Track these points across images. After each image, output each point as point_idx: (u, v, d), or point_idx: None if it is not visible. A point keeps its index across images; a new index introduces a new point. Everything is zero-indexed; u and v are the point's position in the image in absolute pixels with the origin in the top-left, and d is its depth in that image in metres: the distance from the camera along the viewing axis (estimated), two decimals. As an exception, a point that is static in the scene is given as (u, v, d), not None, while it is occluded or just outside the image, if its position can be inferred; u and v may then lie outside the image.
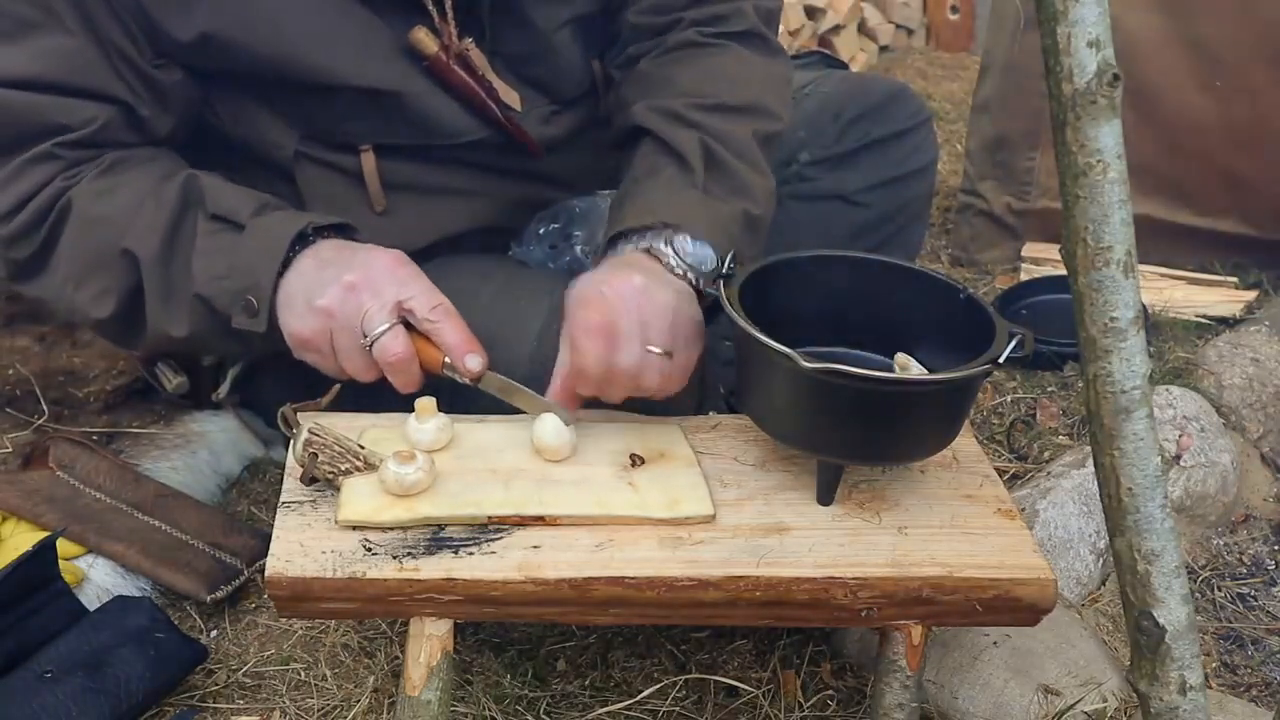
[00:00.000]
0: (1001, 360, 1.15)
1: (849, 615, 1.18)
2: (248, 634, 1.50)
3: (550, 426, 1.24)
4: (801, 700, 1.41)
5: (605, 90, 1.60)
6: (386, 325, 1.22)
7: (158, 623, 1.39)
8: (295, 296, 1.25)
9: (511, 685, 1.41)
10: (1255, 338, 2.05)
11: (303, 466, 1.20)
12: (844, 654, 1.47)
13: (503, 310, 1.34)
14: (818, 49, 3.15)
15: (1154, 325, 2.20)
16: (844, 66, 2.48)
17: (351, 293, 1.22)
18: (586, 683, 1.43)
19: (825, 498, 1.23)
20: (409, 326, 1.24)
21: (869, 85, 1.85)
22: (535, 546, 1.16)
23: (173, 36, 1.31)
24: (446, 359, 1.24)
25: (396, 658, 1.44)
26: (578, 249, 1.59)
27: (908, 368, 1.23)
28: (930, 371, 1.22)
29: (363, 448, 1.22)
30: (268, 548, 1.15)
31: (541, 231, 1.61)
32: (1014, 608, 1.18)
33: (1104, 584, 1.64)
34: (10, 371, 1.91)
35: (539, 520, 1.18)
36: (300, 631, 1.50)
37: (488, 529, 1.17)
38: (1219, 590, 1.69)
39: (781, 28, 2.16)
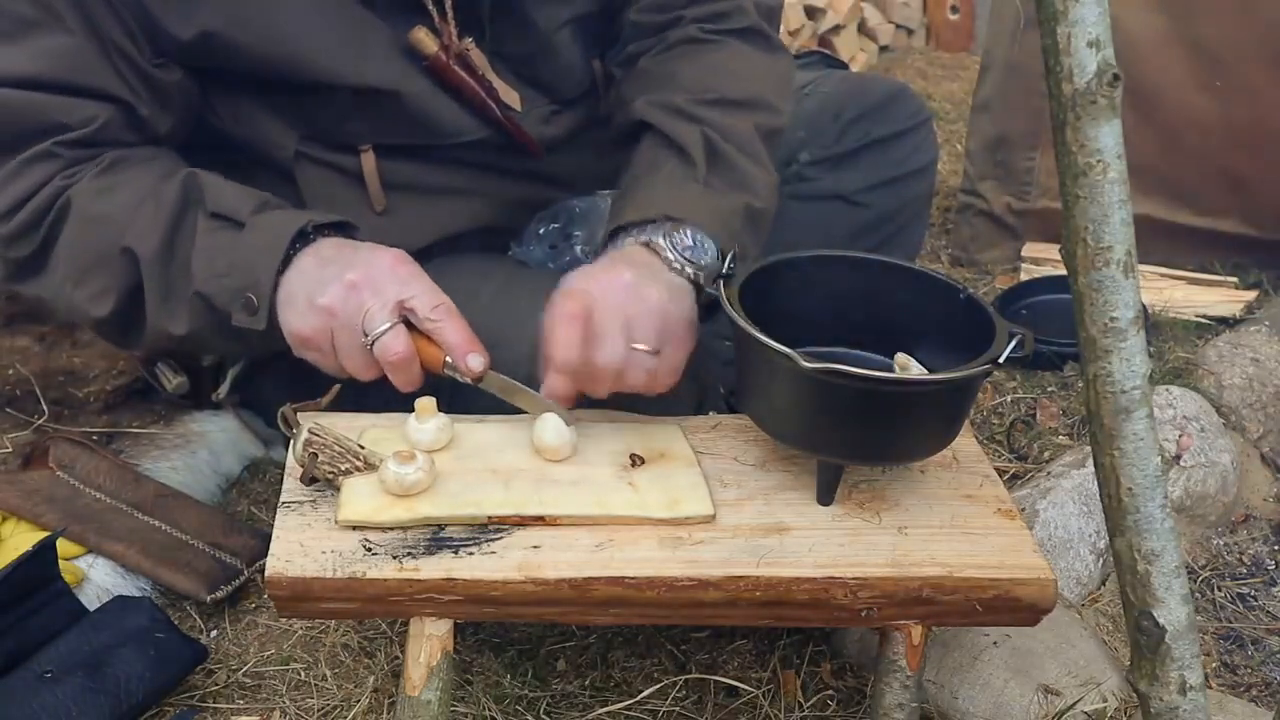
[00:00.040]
0: (1001, 360, 1.15)
1: (849, 615, 1.18)
2: (248, 634, 1.50)
3: (550, 426, 1.24)
4: (801, 700, 1.41)
5: (606, 90, 1.60)
6: (388, 324, 1.22)
7: (158, 623, 1.39)
8: (296, 294, 1.25)
9: (511, 685, 1.41)
10: (1255, 338, 2.05)
11: (303, 466, 1.20)
12: (844, 654, 1.47)
13: (503, 310, 1.34)
14: (818, 49, 3.16)
15: (1154, 325, 2.20)
16: (844, 66, 2.49)
17: (353, 291, 1.22)
18: (586, 683, 1.43)
19: (825, 498, 1.23)
20: (410, 326, 1.24)
21: (869, 85, 1.86)
22: (535, 546, 1.16)
23: (173, 35, 1.31)
24: (447, 358, 1.24)
25: (396, 658, 1.44)
26: (578, 249, 1.59)
27: (908, 368, 1.23)
28: (930, 371, 1.22)
29: (363, 448, 1.22)
30: (268, 548, 1.15)
31: (541, 231, 1.61)
32: (1014, 608, 1.18)
33: (1104, 584, 1.64)
34: (10, 371, 1.91)
35: (539, 520, 1.18)
36: (300, 631, 1.50)
37: (488, 529, 1.17)
38: (1219, 590, 1.69)
39: (781, 28, 2.16)
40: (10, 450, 1.73)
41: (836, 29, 3.81)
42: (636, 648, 1.47)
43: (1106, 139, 0.99)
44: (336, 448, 1.20)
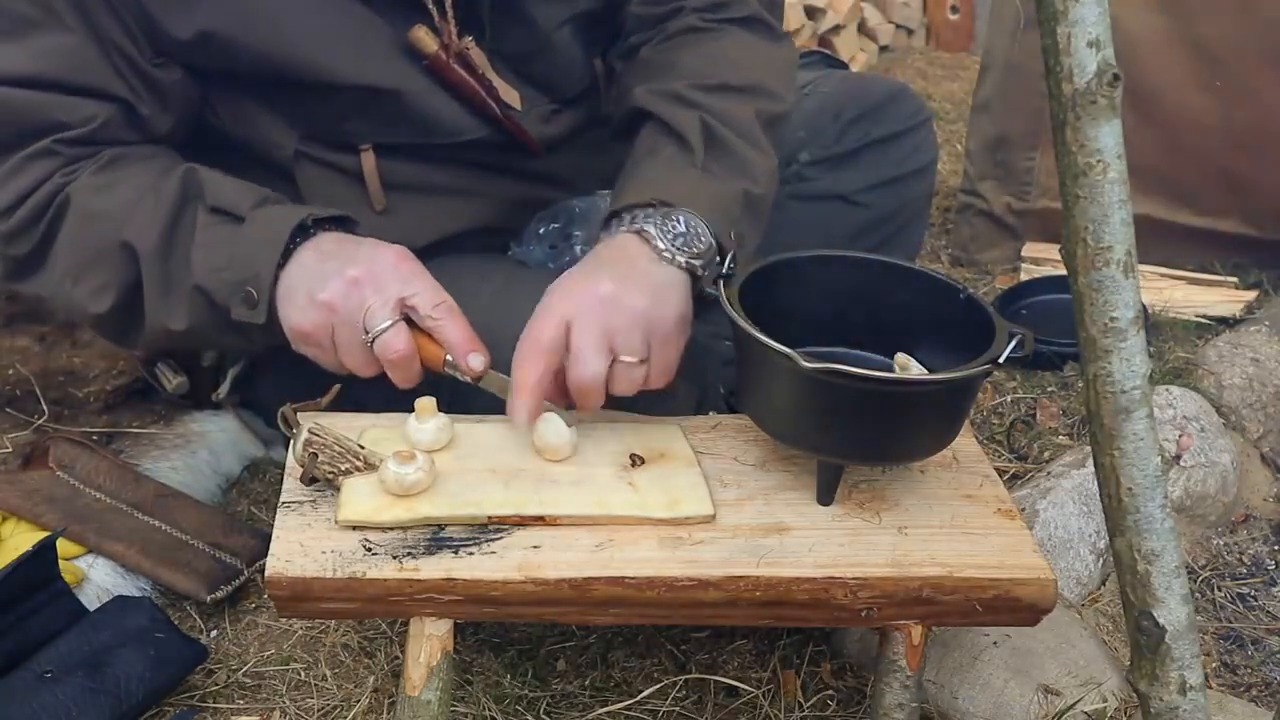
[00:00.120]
0: (1001, 360, 1.15)
1: (849, 615, 1.18)
2: (248, 634, 1.50)
3: (550, 426, 1.24)
4: (801, 700, 1.41)
5: (607, 88, 1.60)
6: (389, 321, 1.22)
7: (158, 623, 1.39)
8: (296, 289, 1.25)
9: (511, 685, 1.41)
10: (1255, 338, 2.05)
11: (303, 466, 1.20)
12: (844, 654, 1.47)
13: (503, 310, 1.34)
14: (818, 49, 3.16)
15: (1154, 325, 2.20)
16: (844, 66, 2.49)
17: (354, 287, 1.22)
18: (586, 683, 1.43)
19: (825, 498, 1.23)
20: (411, 323, 1.24)
21: (869, 85, 1.86)
22: (535, 546, 1.16)
23: (172, 35, 1.31)
24: (448, 357, 1.24)
25: (396, 658, 1.44)
26: (578, 249, 1.59)
27: (908, 368, 1.23)
28: (930, 371, 1.22)
29: (363, 448, 1.22)
30: (268, 548, 1.15)
31: (541, 231, 1.61)
32: (1014, 608, 1.18)
33: (1104, 584, 1.64)
34: (10, 371, 1.91)
35: (539, 520, 1.18)
36: (300, 631, 1.50)
37: (488, 529, 1.17)
38: (1219, 590, 1.69)
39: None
40: (10, 450, 1.73)
41: (836, 29, 3.81)
42: (636, 648, 1.47)
43: (1106, 139, 0.99)
44: (336, 448, 1.20)
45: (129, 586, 1.50)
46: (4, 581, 1.32)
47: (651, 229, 1.29)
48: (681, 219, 1.31)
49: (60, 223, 1.32)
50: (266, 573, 1.13)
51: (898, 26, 4.14)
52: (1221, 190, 2.39)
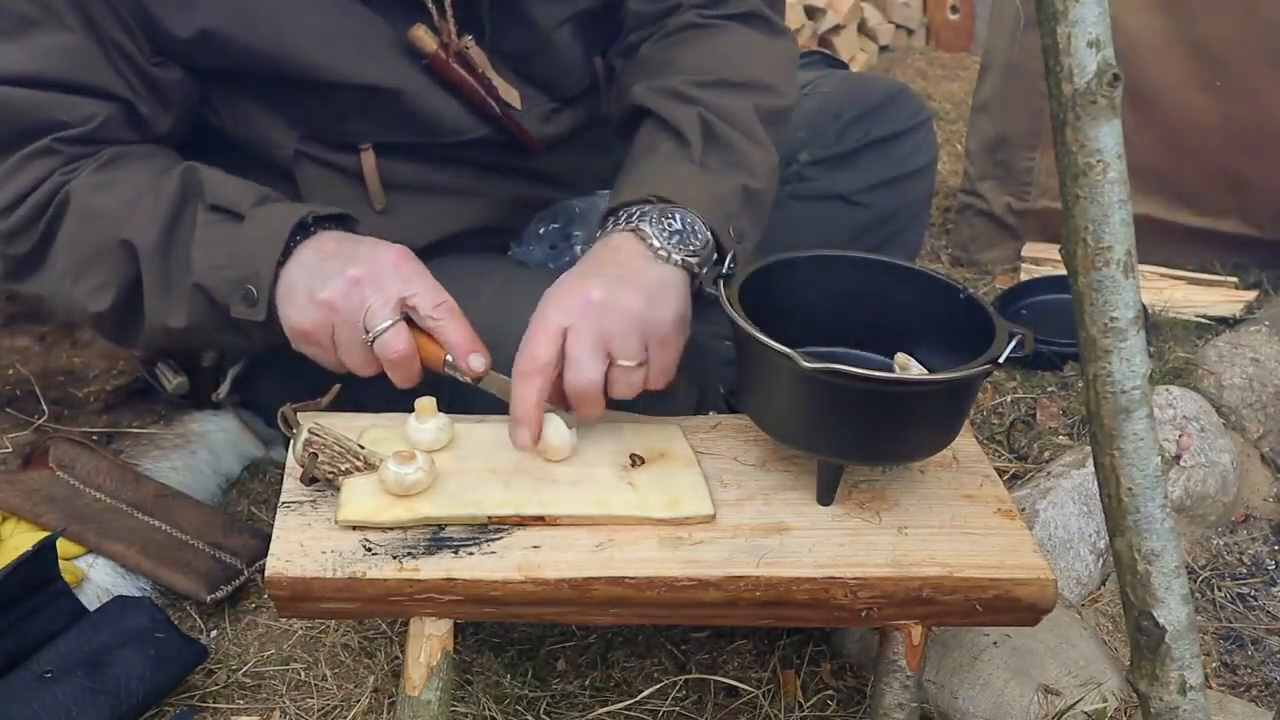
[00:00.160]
0: (1001, 360, 1.15)
1: (849, 615, 1.18)
2: (248, 634, 1.50)
3: (551, 427, 1.24)
4: (801, 700, 1.41)
5: (607, 87, 1.60)
6: (389, 321, 1.21)
7: (158, 623, 1.39)
8: (297, 288, 1.25)
9: (511, 685, 1.41)
10: (1255, 338, 2.05)
11: (303, 466, 1.20)
12: (844, 654, 1.47)
13: (503, 310, 1.34)
14: (818, 49, 3.16)
15: (1154, 325, 2.20)
16: (844, 66, 2.49)
17: (355, 287, 1.22)
18: (586, 683, 1.43)
19: (825, 498, 1.23)
20: (411, 323, 1.24)
21: (869, 85, 1.86)
22: (535, 546, 1.16)
23: (172, 34, 1.31)
24: (448, 357, 1.24)
25: (396, 658, 1.44)
26: (578, 249, 1.59)
27: (908, 368, 1.23)
28: (930, 371, 1.22)
29: (363, 448, 1.22)
30: (268, 548, 1.15)
31: (541, 231, 1.61)
32: (1014, 608, 1.18)
33: (1104, 584, 1.64)
34: (10, 371, 1.91)
35: (539, 520, 1.18)
36: (300, 631, 1.50)
37: (488, 529, 1.17)
38: (1219, 590, 1.69)
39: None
40: (10, 450, 1.73)
41: (836, 29, 3.81)
42: (636, 648, 1.47)
43: (1106, 139, 0.99)
44: (336, 448, 1.20)
45: (129, 586, 1.50)
46: (4, 581, 1.32)
47: (647, 227, 1.29)
48: (678, 216, 1.30)
49: (60, 221, 1.32)
50: (266, 573, 1.13)
51: (898, 26, 4.14)
52: (1221, 190, 2.39)
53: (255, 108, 1.42)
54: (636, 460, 1.26)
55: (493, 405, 1.28)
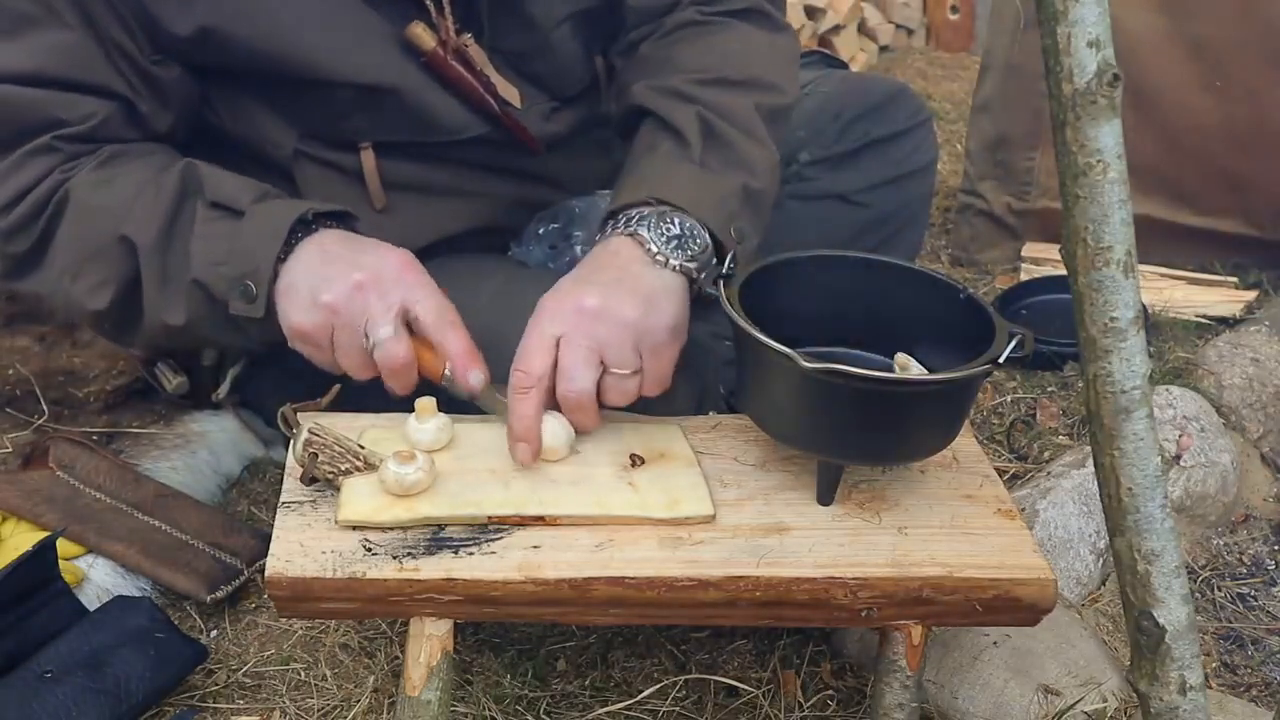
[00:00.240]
0: (1001, 360, 1.15)
1: (849, 615, 1.18)
2: (248, 634, 1.50)
3: (548, 427, 1.24)
4: (801, 700, 1.41)
5: (608, 85, 1.59)
6: (390, 330, 1.21)
7: (158, 623, 1.39)
8: (298, 287, 1.25)
9: (511, 685, 1.41)
10: (1255, 338, 2.05)
11: (303, 466, 1.20)
12: (844, 654, 1.47)
13: (502, 310, 1.34)
14: (818, 49, 3.16)
15: (1154, 325, 2.20)
16: (844, 66, 2.49)
17: (358, 292, 1.22)
18: (586, 683, 1.43)
19: (825, 498, 1.23)
20: (411, 331, 1.24)
21: (869, 85, 1.85)
22: (535, 546, 1.16)
23: (171, 31, 1.31)
24: (447, 371, 1.24)
25: (396, 658, 1.44)
26: (578, 249, 1.59)
27: (908, 368, 1.23)
28: (930, 371, 1.22)
29: (363, 448, 1.22)
30: (268, 548, 1.15)
31: (541, 231, 1.61)
32: (1014, 608, 1.18)
33: (1104, 584, 1.64)
34: (10, 371, 1.91)
35: (539, 520, 1.18)
36: (300, 631, 1.50)
37: (488, 529, 1.17)
38: (1219, 590, 1.69)
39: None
40: (10, 450, 1.73)
41: (836, 29, 3.81)
42: (636, 648, 1.47)
43: (1106, 139, 0.99)
44: (336, 448, 1.20)
45: (129, 586, 1.50)
46: (4, 581, 1.32)
47: (645, 231, 1.29)
48: (677, 220, 1.30)
49: (59, 219, 1.32)
50: (266, 573, 1.13)
51: (898, 26, 4.14)
52: (1221, 190, 2.39)
53: (254, 106, 1.42)
54: (636, 460, 1.26)
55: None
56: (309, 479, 1.20)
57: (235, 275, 1.26)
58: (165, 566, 1.50)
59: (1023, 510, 1.60)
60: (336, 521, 1.17)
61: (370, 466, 1.20)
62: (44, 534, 1.44)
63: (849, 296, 1.29)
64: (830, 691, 1.42)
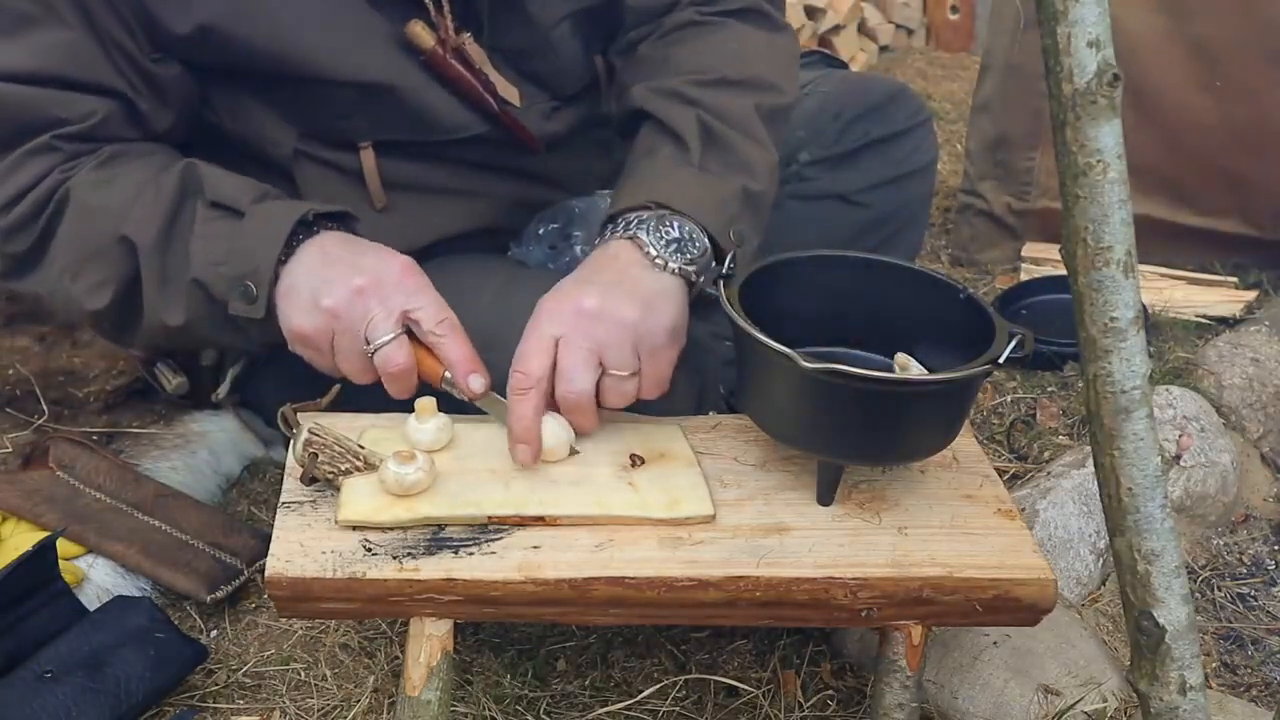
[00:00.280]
0: (1001, 360, 1.15)
1: (849, 615, 1.18)
2: (248, 634, 1.50)
3: (547, 428, 1.24)
4: (801, 700, 1.41)
5: (608, 85, 1.59)
6: (391, 335, 1.21)
7: (158, 623, 1.39)
8: (299, 289, 1.25)
9: (511, 685, 1.41)
10: (1255, 338, 2.05)
11: (303, 466, 1.20)
12: (844, 654, 1.47)
13: (502, 310, 1.34)
14: (818, 49, 3.15)
15: (1154, 325, 2.20)
16: (844, 66, 2.49)
17: (359, 297, 1.22)
18: (586, 683, 1.43)
19: (825, 498, 1.23)
20: (412, 336, 1.24)
21: (869, 85, 1.85)
22: (535, 546, 1.16)
23: (170, 30, 1.31)
24: (446, 374, 1.24)
25: (396, 658, 1.44)
26: (578, 249, 1.59)
27: (908, 368, 1.23)
28: (930, 371, 1.22)
29: (363, 448, 1.22)
30: (268, 548, 1.15)
31: (541, 231, 1.61)
32: (1014, 608, 1.18)
33: (1104, 584, 1.64)
34: (10, 371, 1.91)
35: (539, 520, 1.18)
36: (300, 631, 1.50)
37: (488, 529, 1.17)
38: (1219, 590, 1.69)
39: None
40: (10, 450, 1.73)
41: (836, 29, 3.81)
42: (636, 648, 1.47)
43: (1106, 139, 0.99)
44: (336, 448, 1.20)
45: (129, 586, 1.50)
46: (4, 581, 1.32)
47: (644, 235, 1.29)
48: (676, 224, 1.30)
49: (59, 218, 1.32)
50: (266, 573, 1.13)
51: (898, 26, 4.14)
52: (1221, 190, 2.39)
53: (254, 105, 1.42)
54: (636, 460, 1.26)
55: (493, 405, 1.28)
56: (309, 479, 1.20)
57: (235, 275, 1.26)
58: (165, 566, 1.50)
59: (1023, 510, 1.60)
60: (336, 521, 1.17)
61: (370, 466, 1.20)
62: (44, 534, 1.44)
63: (849, 296, 1.29)
64: (830, 691, 1.42)
